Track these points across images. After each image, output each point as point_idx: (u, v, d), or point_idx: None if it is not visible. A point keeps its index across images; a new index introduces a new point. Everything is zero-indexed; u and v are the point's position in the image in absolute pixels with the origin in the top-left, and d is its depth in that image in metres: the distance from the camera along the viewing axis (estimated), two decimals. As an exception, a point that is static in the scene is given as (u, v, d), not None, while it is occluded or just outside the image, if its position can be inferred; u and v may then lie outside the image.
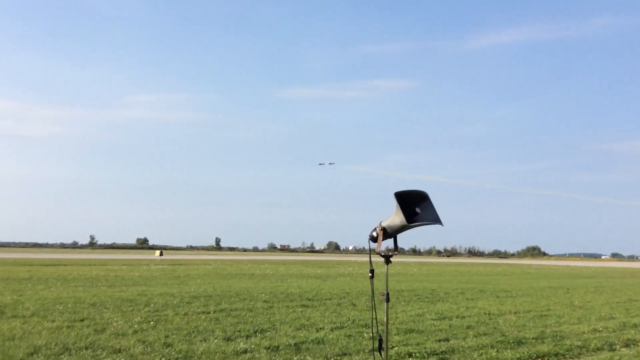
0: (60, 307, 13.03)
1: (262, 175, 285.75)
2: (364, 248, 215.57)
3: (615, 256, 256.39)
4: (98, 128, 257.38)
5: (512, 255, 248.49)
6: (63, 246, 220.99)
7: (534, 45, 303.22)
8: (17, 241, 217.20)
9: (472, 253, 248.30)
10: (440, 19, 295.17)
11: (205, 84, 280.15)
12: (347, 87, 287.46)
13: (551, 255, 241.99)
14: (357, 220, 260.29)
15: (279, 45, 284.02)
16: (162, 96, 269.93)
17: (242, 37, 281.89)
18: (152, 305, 13.81)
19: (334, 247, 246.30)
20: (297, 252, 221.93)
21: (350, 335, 9.57)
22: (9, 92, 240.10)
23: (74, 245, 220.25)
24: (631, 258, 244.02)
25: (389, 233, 4.99)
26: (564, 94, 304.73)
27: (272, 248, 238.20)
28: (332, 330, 10.24)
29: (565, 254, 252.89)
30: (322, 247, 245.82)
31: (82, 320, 10.93)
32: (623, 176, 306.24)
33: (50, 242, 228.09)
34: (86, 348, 8.03)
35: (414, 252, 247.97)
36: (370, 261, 4.96)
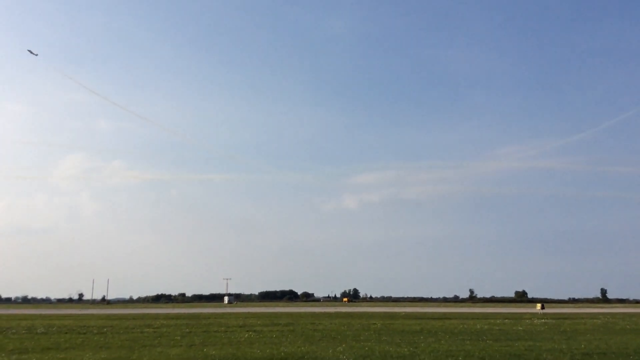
0: (453, 360, 14.06)
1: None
2: None
3: None
4: (470, 184, 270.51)
5: None
6: (445, 300, 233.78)
7: None
8: (405, 296, 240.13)
9: None
10: None
11: (572, 127, 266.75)
12: None
13: None
14: None
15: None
16: (530, 144, 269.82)
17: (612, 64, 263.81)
18: (540, 361, 13.64)
19: None
20: None
21: None
22: (391, 162, 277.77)
23: (455, 299, 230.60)
24: None
25: None
26: None
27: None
28: None
29: None
30: None
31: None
32: None
33: (434, 296, 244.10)
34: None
35: None
36: None
